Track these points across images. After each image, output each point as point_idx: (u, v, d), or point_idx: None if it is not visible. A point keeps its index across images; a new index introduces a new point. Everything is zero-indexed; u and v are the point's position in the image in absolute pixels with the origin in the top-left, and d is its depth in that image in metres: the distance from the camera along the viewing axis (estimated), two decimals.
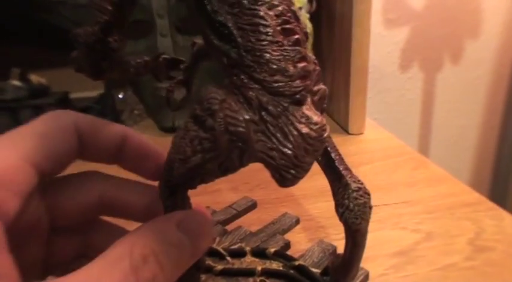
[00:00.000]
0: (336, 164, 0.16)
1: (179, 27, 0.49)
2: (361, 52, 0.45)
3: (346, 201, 0.16)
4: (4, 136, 0.14)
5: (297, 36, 0.11)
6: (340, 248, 0.19)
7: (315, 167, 0.14)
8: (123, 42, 0.15)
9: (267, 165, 0.11)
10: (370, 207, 0.17)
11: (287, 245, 0.26)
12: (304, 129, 0.11)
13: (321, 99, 0.13)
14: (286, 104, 0.11)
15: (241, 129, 0.11)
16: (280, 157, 0.11)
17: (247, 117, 0.11)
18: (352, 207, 0.16)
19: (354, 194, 0.16)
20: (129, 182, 0.17)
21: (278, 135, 0.11)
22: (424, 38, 0.76)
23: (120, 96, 0.59)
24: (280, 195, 0.33)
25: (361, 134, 0.46)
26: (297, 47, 0.11)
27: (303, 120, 0.11)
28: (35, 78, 0.56)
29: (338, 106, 0.50)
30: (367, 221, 0.17)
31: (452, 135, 0.86)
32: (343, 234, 0.17)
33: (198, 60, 0.20)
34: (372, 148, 0.42)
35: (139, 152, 0.16)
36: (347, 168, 0.16)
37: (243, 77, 0.11)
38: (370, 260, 0.25)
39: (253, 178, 0.37)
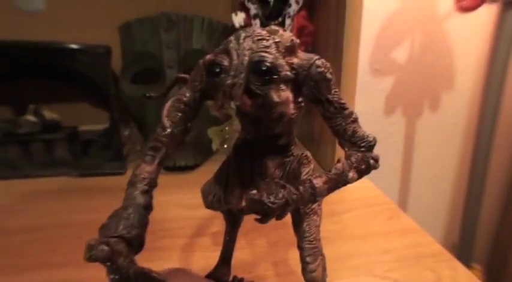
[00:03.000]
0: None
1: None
2: (349, 101, 0.51)
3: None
4: None
5: None
6: None
7: None
8: None
9: None
10: None
11: None
12: None
13: None
14: None
15: None
16: None
17: None
18: None
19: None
20: None
21: None
22: (406, 87, 0.84)
23: (126, 133, 0.64)
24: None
25: None
26: None
27: None
28: (48, 113, 0.61)
29: (325, 151, 0.56)
30: None
31: (430, 175, 0.92)
32: None
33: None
34: (353, 197, 0.47)
35: None
36: None
37: None
38: None
39: (246, 222, 0.42)
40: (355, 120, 0.20)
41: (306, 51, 0.55)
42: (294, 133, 0.23)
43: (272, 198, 0.18)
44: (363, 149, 0.19)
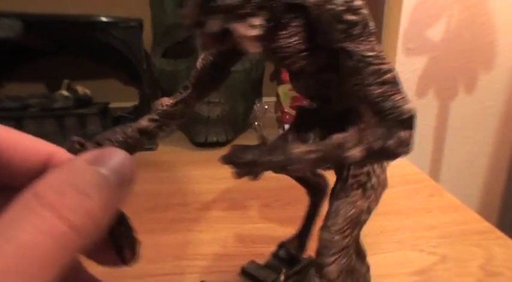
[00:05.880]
0: None
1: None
2: None
3: None
4: None
5: None
6: None
7: None
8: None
9: None
10: None
11: None
12: None
13: None
14: None
15: None
16: None
17: None
18: None
19: None
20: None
21: None
22: (440, 67, 0.80)
23: None
24: None
25: None
26: None
27: None
28: (81, 89, 0.61)
29: None
30: None
31: (463, 161, 0.89)
32: None
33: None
34: (391, 173, 0.46)
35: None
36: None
37: None
38: (392, 277, 0.29)
39: (284, 196, 0.41)
40: (386, 82, 0.14)
41: None
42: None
43: (239, 154, 0.15)
44: (388, 123, 0.14)
